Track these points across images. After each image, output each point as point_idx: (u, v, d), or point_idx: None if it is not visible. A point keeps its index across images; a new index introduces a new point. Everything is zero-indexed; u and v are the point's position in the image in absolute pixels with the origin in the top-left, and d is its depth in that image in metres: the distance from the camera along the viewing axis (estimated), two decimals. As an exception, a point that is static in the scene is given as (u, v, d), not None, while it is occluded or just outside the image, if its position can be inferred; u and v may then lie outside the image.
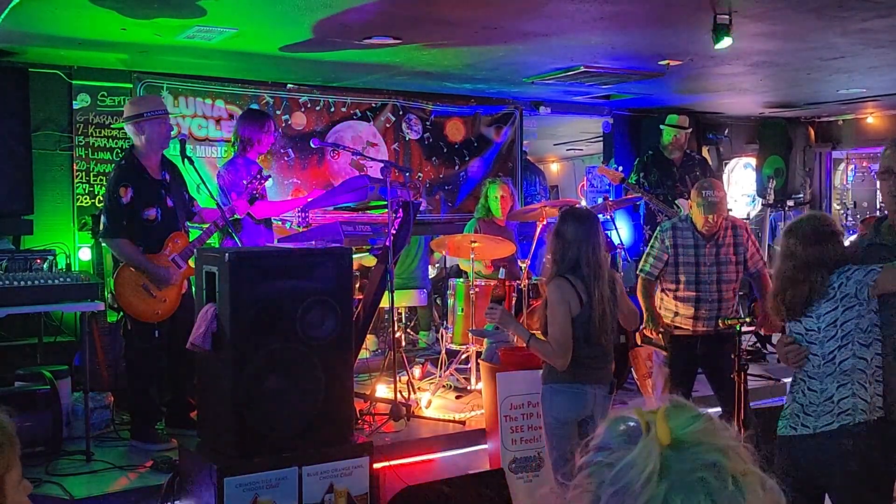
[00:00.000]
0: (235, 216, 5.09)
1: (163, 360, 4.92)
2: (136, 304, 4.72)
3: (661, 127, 7.30)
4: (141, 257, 4.71)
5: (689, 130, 7.39)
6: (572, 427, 3.90)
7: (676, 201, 7.01)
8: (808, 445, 3.09)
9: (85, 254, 5.88)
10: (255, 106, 6.53)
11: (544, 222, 6.18)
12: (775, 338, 4.71)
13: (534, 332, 3.98)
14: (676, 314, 4.83)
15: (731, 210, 6.13)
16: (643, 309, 4.82)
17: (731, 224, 4.84)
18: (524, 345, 3.99)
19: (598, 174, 10.07)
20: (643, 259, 4.96)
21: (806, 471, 3.13)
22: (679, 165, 7.24)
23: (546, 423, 3.96)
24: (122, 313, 4.90)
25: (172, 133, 5.15)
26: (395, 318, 5.80)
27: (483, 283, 6.02)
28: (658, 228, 5.01)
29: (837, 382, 3.06)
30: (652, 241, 4.96)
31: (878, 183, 3.53)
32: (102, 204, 5.23)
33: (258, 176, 5.09)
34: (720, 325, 4.62)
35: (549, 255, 3.97)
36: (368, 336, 6.23)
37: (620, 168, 7.54)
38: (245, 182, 5.13)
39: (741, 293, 5.11)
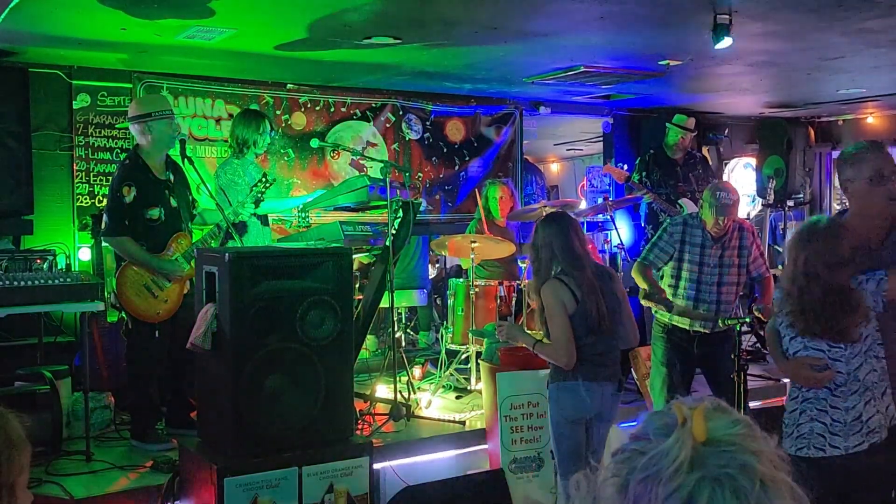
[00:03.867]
0: (238, 217, 5.08)
1: (163, 360, 4.92)
2: (137, 304, 4.72)
3: (668, 125, 7.26)
4: (144, 254, 4.71)
5: (695, 133, 7.40)
6: (580, 426, 3.90)
7: (680, 200, 7.01)
8: (838, 465, 2.98)
9: (85, 254, 5.87)
10: (254, 106, 6.52)
11: (544, 222, 6.16)
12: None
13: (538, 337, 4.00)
14: None
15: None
16: (641, 285, 4.76)
17: (738, 226, 4.81)
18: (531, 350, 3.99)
19: (598, 174, 10.08)
20: (647, 249, 4.90)
21: (836, 488, 2.99)
22: (681, 164, 7.24)
23: (554, 423, 3.96)
24: (122, 313, 4.90)
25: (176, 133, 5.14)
26: (395, 318, 5.80)
27: (483, 283, 6.02)
28: (668, 221, 4.94)
29: (864, 400, 3.00)
30: (660, 231, 4.90)
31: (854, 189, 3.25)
32: (104, 203, 5.23)
33: (263, 180, 5.04)
34: (720, 325, 4.61)
35: (531, 264, 3.99)
36: (368, 336, 6.23)
37: (625, 167, 7.53)
38: (250, 186, 5.11)
39: (742, 293, 5.08)
